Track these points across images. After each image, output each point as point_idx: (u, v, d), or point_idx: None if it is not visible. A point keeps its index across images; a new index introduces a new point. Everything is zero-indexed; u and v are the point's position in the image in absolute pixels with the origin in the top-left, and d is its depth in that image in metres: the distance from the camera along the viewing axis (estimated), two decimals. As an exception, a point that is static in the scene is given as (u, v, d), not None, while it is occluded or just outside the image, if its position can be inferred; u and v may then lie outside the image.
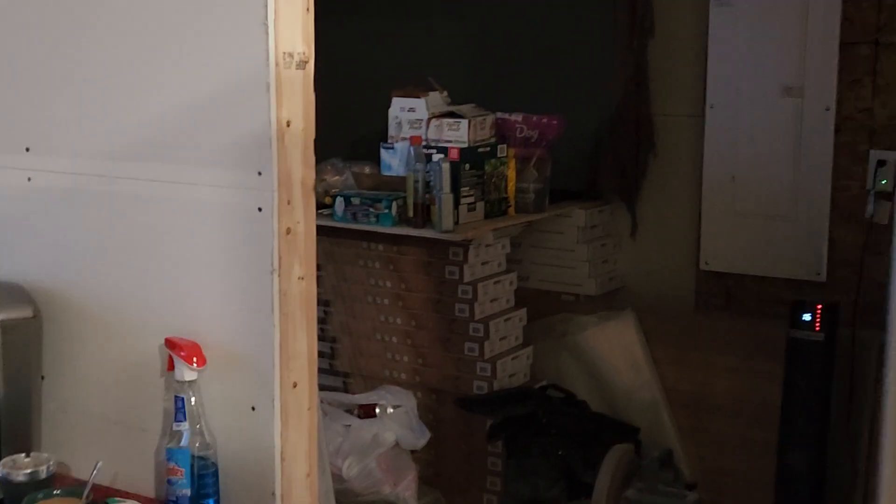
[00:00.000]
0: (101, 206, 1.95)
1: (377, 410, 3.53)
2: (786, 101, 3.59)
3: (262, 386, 1.79)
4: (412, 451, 3.52)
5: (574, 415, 3.55)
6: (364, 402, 3.56)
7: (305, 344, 1.83)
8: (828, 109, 3.52)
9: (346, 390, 3.82)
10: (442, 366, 3.62)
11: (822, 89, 3.51)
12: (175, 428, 1.84)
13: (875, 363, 3.36)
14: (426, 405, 3.65)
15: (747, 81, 3.65)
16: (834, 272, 3.59)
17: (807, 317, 3.19)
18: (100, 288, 1.98)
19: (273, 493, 1.82)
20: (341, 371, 3.86)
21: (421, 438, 3.49)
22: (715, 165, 3.73)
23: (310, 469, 1.88)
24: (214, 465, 1.85)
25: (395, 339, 3.71)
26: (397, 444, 3.47)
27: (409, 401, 3.57)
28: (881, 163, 3.46)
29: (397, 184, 3.58)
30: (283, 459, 1.82)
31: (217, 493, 1.85)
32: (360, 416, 3.54)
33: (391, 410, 3.53)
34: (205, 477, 1.84)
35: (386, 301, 3.71)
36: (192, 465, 1.82)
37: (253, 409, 1.81)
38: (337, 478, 3.20)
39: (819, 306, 3.19)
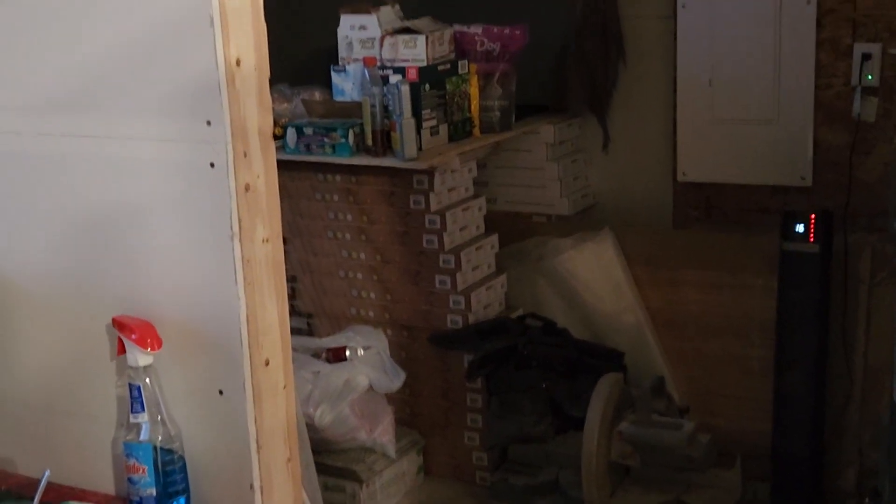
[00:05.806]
0: (30, 170, 1.68)
1: (347, 353, 3.37)
2: (763, -5, 3.36)
3: (230, 367, 1.57)
4: (386, 394, 3.36)
5: (556, 344, 3.36)
6: (333, 346, 3.40)
7: (276, 315, 1.59)
8: (808, 2, 3.31)
9: (310, 332, 3.63)
10: (412, 301, 3.43)
11: (801, -19, 3.30)
12: (133, 420, 1.61)
13: (869, 269, 3.21)
14: (398, 343, 3.48)
15: (721, -23, 3.42)
16: (819, 176, 3.43)
17: (800, 227, 3.01)
18: (33, 264, 1.72)
19: (251, 486, 1.60)
20: (304, 312, 3.64)
21: (395, 380, 3.34)
22: (689, 70, 3.52)
23: (290, 454, 1.66)
24: (182, 458, 1.63)
25: (359, 276, 3.50)
26: (371, 388, 3.32)
27: (380, 341, 3.41)
28: (866, 56, 3.28)
29: (352, 110, 3.34)
30: (259, 447, 1.59)
31: (187, 489, 1.64)
32: (329, 361, 3.39)
33: (362, 352, 3.38)
34: (172, 473, 1.62)
35: (348, 236, 3.49)
36: (155, 461, 1.60)
37: (221, 392, 1.59)
38: (310, 427, 3.03)
39: (812, 216, 2.99)
